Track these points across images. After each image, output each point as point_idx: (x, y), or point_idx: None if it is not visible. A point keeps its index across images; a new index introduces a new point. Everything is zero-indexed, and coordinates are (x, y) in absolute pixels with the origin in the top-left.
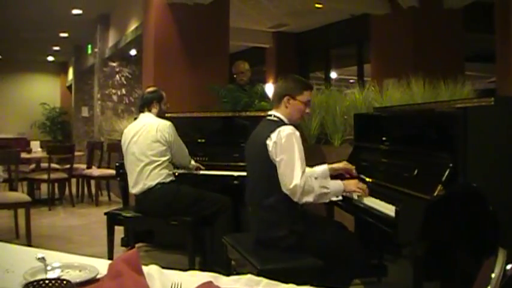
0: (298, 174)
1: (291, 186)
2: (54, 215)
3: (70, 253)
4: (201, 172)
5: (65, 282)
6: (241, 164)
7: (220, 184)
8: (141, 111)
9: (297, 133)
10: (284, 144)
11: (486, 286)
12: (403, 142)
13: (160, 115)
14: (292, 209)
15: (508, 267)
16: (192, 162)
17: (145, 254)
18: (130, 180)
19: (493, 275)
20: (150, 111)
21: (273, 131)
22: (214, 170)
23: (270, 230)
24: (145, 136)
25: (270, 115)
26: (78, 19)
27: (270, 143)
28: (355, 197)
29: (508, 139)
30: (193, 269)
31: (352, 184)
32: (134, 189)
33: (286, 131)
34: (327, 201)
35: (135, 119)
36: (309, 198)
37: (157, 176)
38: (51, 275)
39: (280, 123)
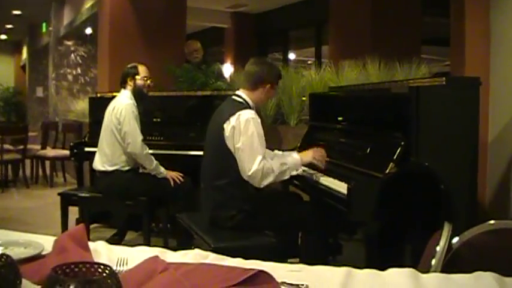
0: (257, 160)
1: (250, 173)
2: (8, 197)
3: None
4: (159, 152)
5: (4, 257)
6: (198, 143)
7: (178, 163)
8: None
9: (257, 118)
10: (243, 129)
11: (432, 258)
12: (357, 121)
13: (139, 91)
14: (243, 190)
15: (454, 240)
16: (162, 169)
17: (100, 235)
18: (96, 156)
19: (438, 248)
20: (125, 88)
21: (232, 114)
22: (171, 149)
23: (220, 209)
24: (107, 117)
25: (237, 95)
26: None
27: (227, 127)
28: (316, 164)
29: (459, 118)
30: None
31: (309, 154)
32: (96, 166)
33: (246, 115)
34: (287, 177)
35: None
36: (270, 179)
37: (117, 161)
38: None
39: (242, 106)
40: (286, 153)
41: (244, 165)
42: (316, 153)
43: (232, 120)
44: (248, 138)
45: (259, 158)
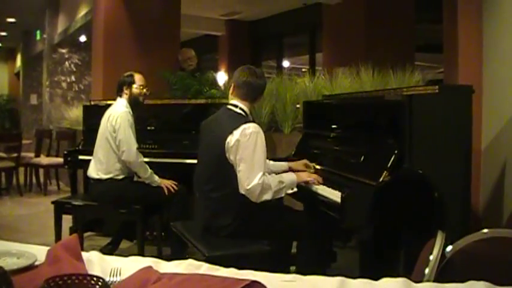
0: (258, 175)
1: (249, 187)
2: (1, 204)
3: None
4: (153, 160)
5: None
6: (192, 152)
7: (172, 172)
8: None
9: (261, 132)
10: (247, 143)
11: (425, 267)
12: (351, 129)
13: (135, 100)
14: (239, 200)
15: (448, 249)
16: (156, 177)
17: (94, 243)
18: (91, 163)
19: (431, 257)
20: (121, 96)
21: (236, 127)
22: (165, 157)
23: (215, 218)
24: (102, 124)
25: (234, 105)
26: (25, 4)
27: (231, 140)
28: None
29: (452, 126)
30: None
31: (305, 174)
32: (91, 174)
33: (251, 129)
34: (283, 195)
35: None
36: (267, 196)
37: (112, 169)
38: None
39: (244, 119)
40: (277, 163)
41: (243, 179)
42: (311, 175)
43: (236, 133)
44: (252, 152)
45: (260, 173)
